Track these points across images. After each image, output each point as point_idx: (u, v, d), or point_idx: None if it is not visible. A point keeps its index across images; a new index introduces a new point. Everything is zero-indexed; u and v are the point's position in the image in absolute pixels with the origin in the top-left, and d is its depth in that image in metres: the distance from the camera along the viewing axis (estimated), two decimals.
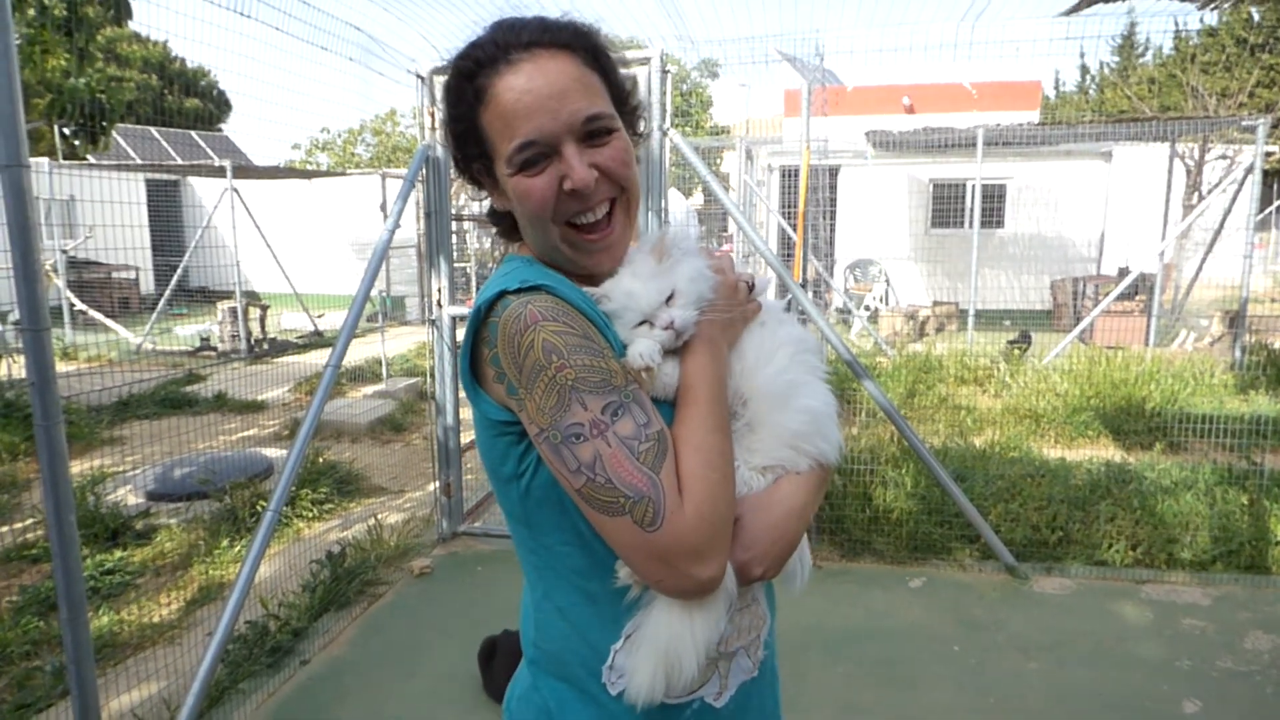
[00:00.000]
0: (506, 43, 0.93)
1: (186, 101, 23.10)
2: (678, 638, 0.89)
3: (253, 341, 9.50)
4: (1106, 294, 8.57)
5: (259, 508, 4.16)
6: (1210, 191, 10.10)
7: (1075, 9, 4.91)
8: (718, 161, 13.14)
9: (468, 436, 4.29)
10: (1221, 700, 2.75)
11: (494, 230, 1.08)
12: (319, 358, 8.64)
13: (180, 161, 13.90)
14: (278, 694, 2.82)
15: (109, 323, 10.09)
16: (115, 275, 11.97)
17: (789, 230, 9.50)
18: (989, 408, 6.08)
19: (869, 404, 4.52)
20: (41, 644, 3.12)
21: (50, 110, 5.05)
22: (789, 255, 9.12)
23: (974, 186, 9.16)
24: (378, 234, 3.56)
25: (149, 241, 10.89)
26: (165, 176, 12.53)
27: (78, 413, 6.09)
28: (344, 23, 3.65)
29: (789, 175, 11.52)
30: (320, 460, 5.01)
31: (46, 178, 9.84)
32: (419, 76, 3.78)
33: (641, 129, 1.04)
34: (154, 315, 10.06)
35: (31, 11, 4.42)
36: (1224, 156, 10.64)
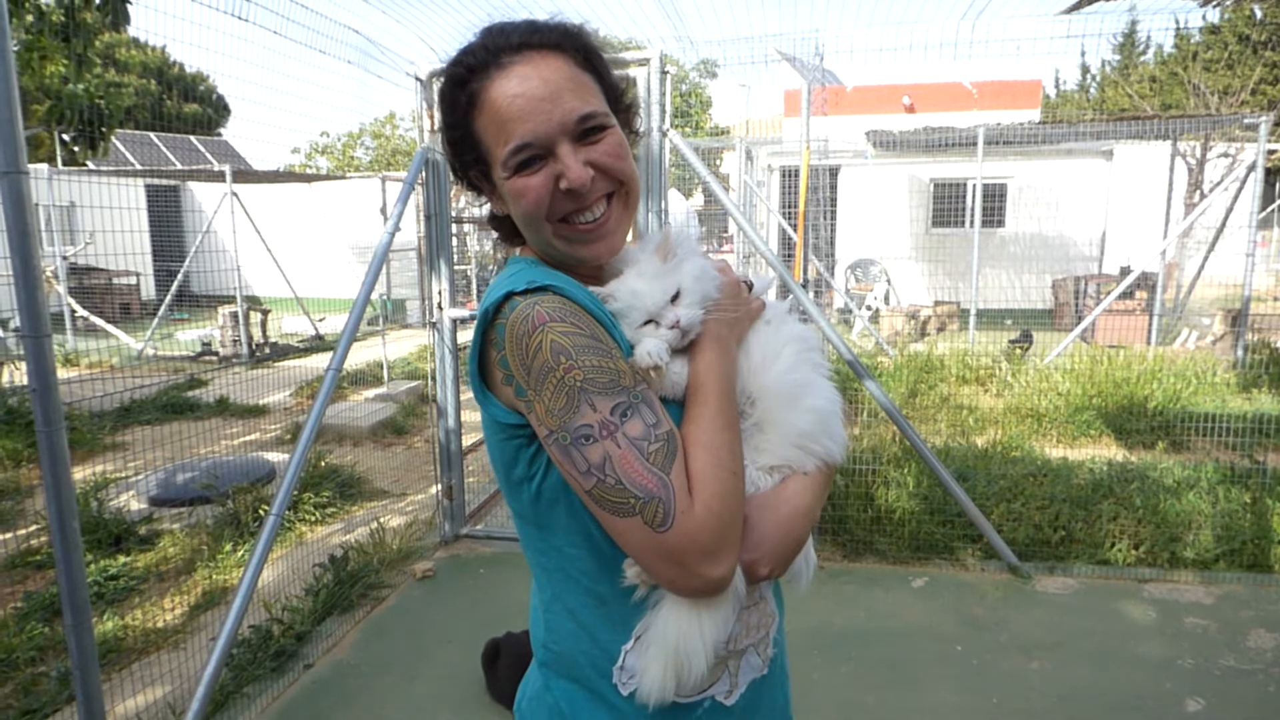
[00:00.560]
0: (496, 46, 0.93)
1: (186, 106, 23.15)
2: (687, 637, 0.89)
3: (254, 346, 9.51)
4: (1108, 293, 8.56)
5: (262, 512, 4.17)
6: (1212, 190, 10.09)
7: (1075, 7, 4.90)
8: (718, 162, 13.15)
9: (469, 439, 4.30)
10: (1224, 699, 2.75)
11: (495, 234, 1.09)
12: (320, 361, 8.65)
13: (180, 166, 13.93)
14: (282, 698, 2.83)
15: (110, 328, 10.10)
16: (116, 281, 11.99)
17: (789, 230, 9.50)
18: (991, 407, 6.08)
19: (871, 404, 4.51)
20: (47, 650, 3.12)
21: (49, 116, 5.05)
22: (789, 256, 9.12)
23: (975, 186, 9.15)
24: (378, 237, 3.56)
25: (150, 247, 10.92)
26: (165, 182, 12.55)
27: (80, 419, 6.10)
28: (342, 25, 3.65)
29: (789, 175, 11.52)
30: (322, 464, 5.01)
31: (46, 184, 9.86)
32: (417, 79, 3.79)
33: (638, 127, 1.04)
34: (155, 320, 10.07)
35: (29, 18, 4.43)
36: (1226, 154, 10.62)
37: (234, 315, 9.35)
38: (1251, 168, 7.73)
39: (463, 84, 0.94)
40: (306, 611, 3.28)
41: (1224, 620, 3.25)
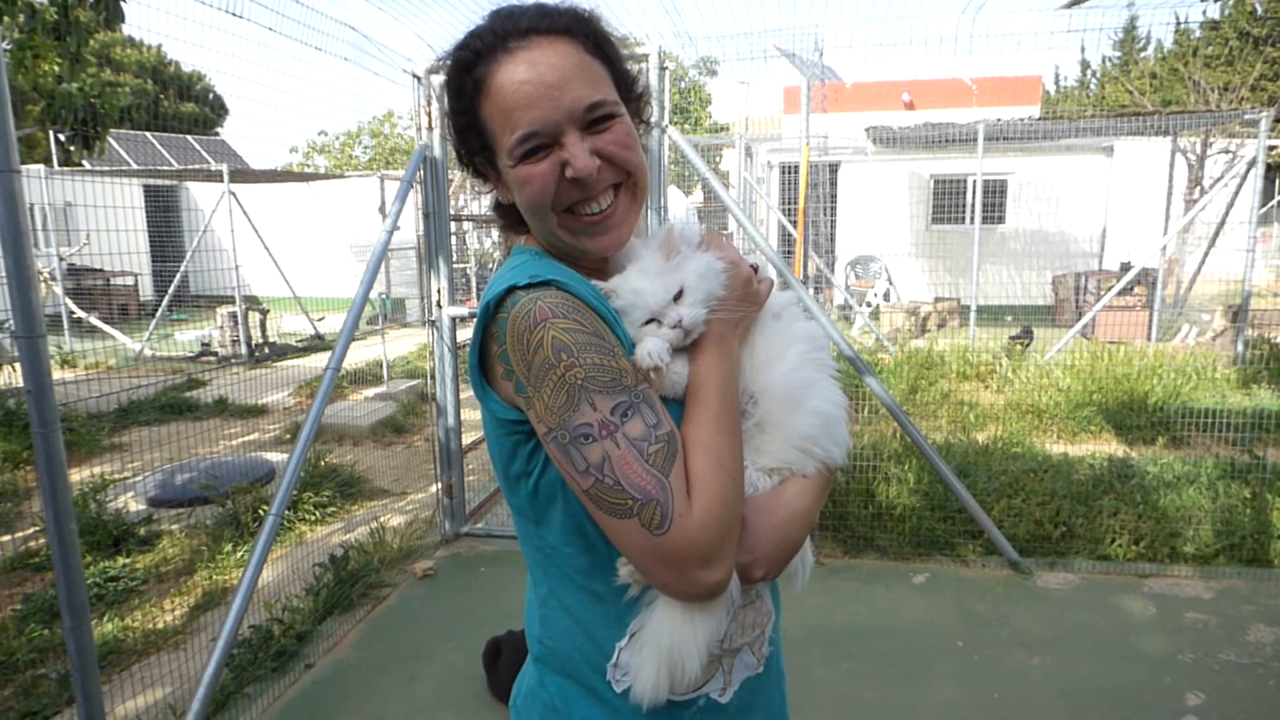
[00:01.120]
0: (504, 31, 0.91)
1: (182, 106, 23.11)
2: (680, 638, 0.89)
3: (253, 346, 9.50)
4: (1108, 289, 8.56)
5: (261, 512, 4.16)
6: (1212, 186, 10.07)
7: (1075, 2, 4.89)
8: (717, 159, 13.13)
9: (469, 438, 4.29)
10: (1224, 693, 2.75)
11: (499, 226, 1.07)
12: (319, 361, 8.64)
13: (177, 166, 13.91)
14: (283, 698, 2.82)
15: (107, 329, 10.09)
16: (114, 282, 11.98)
17: (789, 227, 9.49)
18: (991, 403, 6.08)
19: (872, 400, 4.51)
20: (47, 652, 3.11)
21: (44, 116, 5.04)
22: (789, 252, 9.11)
23: (975, 182, 9.14)
24: (376, 236, 3.56)
25: (147, 247, 10.90)
26: (162, 181, 12.53)
27: (79, 419, 6.09)
28: (338, 22, 3.64)
29: (789, 172, 11.50)
30: (322, 464, 5.01)
31: (43, 185, 9.84)
32: (415, 76, 3.78)
33: (648, 117, 1.02)
34: (154, 321, 10.06)
35: (22, 16, 4.41)
36: (1226, 151, 10.61)
37: (233, 315, 9.34)
38: (1252, 163, 7.72)
39: (469, 69, 0.92)
40: (307, 611, 3.27)
41: (1224, 615, 3.25)
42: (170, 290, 10.21)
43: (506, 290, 0.89)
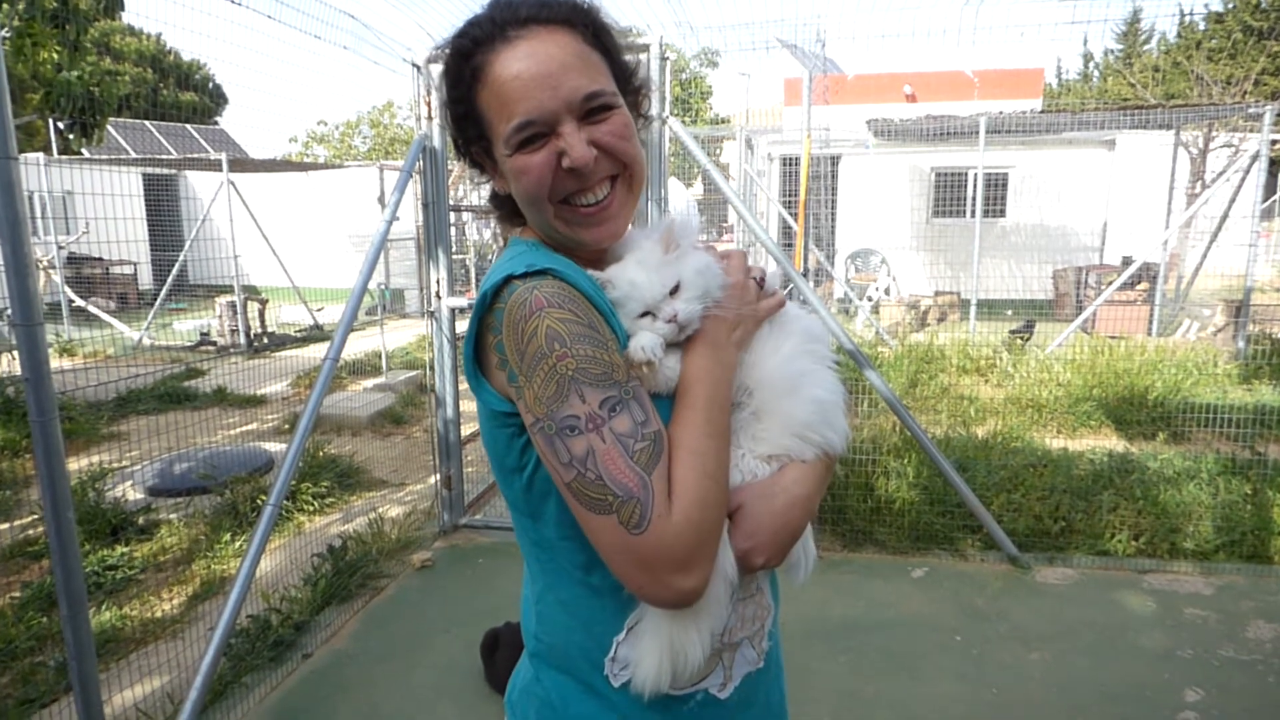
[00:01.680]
0: (503, 20, 0.90)
1: (182, 95, 23.02)
2: (682, 627, 0.88)
3: (252, 336, 9.48)
4: (1109, 284, 8.54)
5: (260, 502, 4.16)
6: (1214, 180, 10.05)
7: None
8: (718, 151, 13.09)
9: (468, 429, 4.28)
10: (1223, 689, 2.75)
11: (495, 217, 1.06)
12: (318, 351, 8.62)
13: (176, 155, 13.86)
14: (280, 687, 2.82)
15: (106, 317, 10.07)
16: (114, 270, 11.95)
17: (789, 220, 9.46)
18: (991, 398, 6.07)
19: (872, 394, 4.50)
20: (45, 639, 3.11)
21: (43, 104, 5.01)
22: (789, 245, 9.09)
23: (976, 175, 9.11)
24: (375, 226, 3.53)
25: (146, 235, 10.87)
26: (161, 170, 12.49)
27: (78, 408, 6.08)
28: (337, 10, 3.61)
29: (790, 164, 11.46)
30: (321, 454, 5.00)
31: (42, 173, 9.80)
32: (415, 65, 3.75)
33: (647, 111, 1.01)
34: (153, 310, 10.04)
35: (21, 4, 4.38)
36: (1229, 145, 10.57)
37: (231, 305, 9.33)
38: (1255, 158, 7.69)
39: (467, 57, 0.91)
40: (305, 601, 3.27)
41: (1223, 611, 3.25)
42: (169, 279, 10.19)
43: (504, 280, 0.88)
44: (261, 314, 9.77)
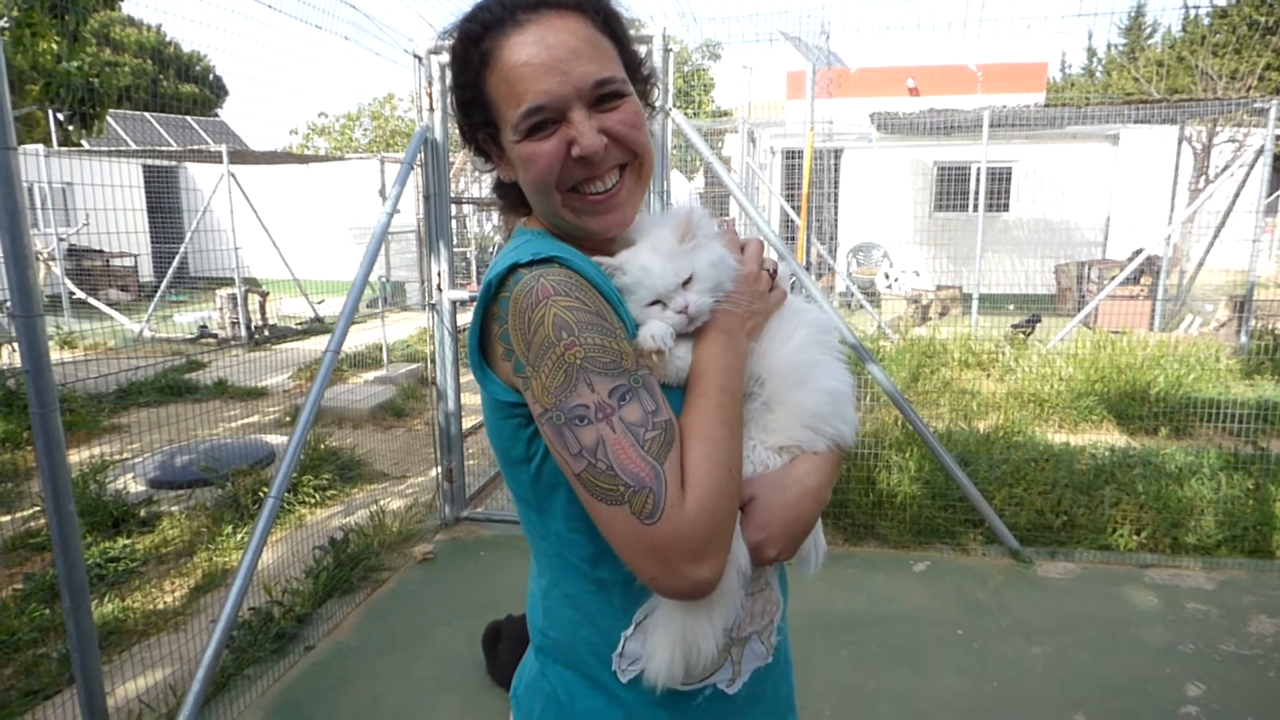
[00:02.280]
0: (513, 3, 0.88)
1: (182, 87, 22.97)
2: (694, 619, 0.87)
3: (252, 328, 9.48)
4: (1111, 278, 8.52)
5: (261, 494, 4.16)
6: (1218, 175, 10.01)
7: None
8: (720, 144, 13.04)
9: (469, 422, 4.28)
10: (1225, 684, 2.74)
11: (500, 207, 1.05)
12: (319, 344, 8.62)
13: (176, 146, 13.82)
14: (283, 679, 2.82)
15: (106, 309, 10.06)
16: (114, 262, 11.93)
17: (791, 213, 9.43)
18: (993, 392, 6.06)
19: (874, 388, 4.49)
20: (48, 631, 3.12)
21: (43, 95, 4.99)
22: (792, 239, 9.06)
23: (979, 169, 9.08)
24: (376, 218, 3.52)
25: (147, 227, 10.84)
26: (162, 162, 12.46)
27: (79, 400, 6.08)
28: (339, 0, 3.59)
29: (792, 158, 11.43)
30: (322, 447, 5.00)
31: (42, 164, 9.77)
32: (416, 56, 3.73)
33: (654, 100, 1.00)
34: (154, 302, 10.03)
35: None
36: (1233, 140, 10.53)
37: (232, 297, 9.31)
38: (1259, 153, 7.66)
39: (476, 40, 0.90)
40: (307, 594, 3.27)
41: (1225, 606, 3.25)
42: (170, 272, 10.17)
43: (509, 268, 0.87)
44: (262, 306, 9.76)
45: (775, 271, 0.99)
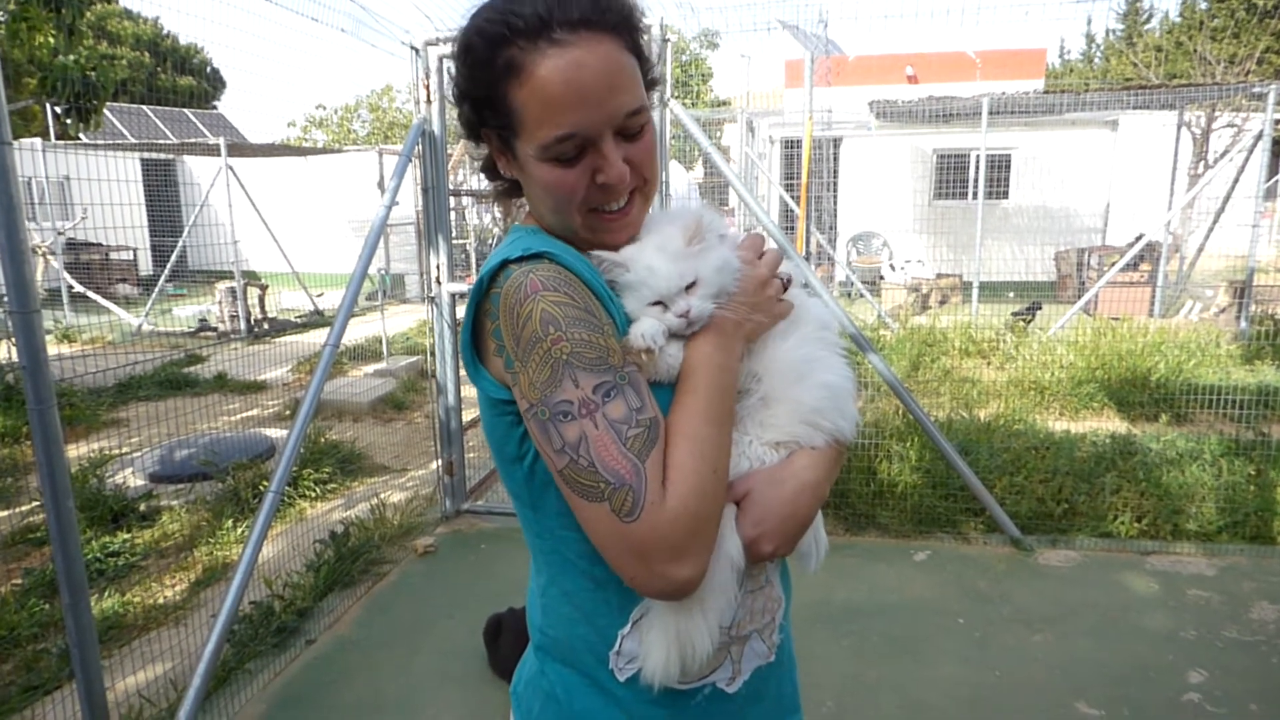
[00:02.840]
0: (552, 16, 0.84)
1: (180, 80, 22.87)
2: (689, 617, 0.86)
3: (252, 321, 9.46)
4: (1111, 265, 8.50)
5: (261, 488, 4.15)
6: (1218, 160, 9.97)
7: None
8: (718, 134, 13.00)
9: (469, 414, 4.27)
10: (1226, 670, 2.75)
11: (493, 191, 1.03)
12: (319, 337, 8.61)
13: (174, 140, 13.77)
14: (284, 673, 2.83)
15: (104, 302, 10.04)
16: (113, 256, 11.90)
17: (791, 203, 9.40)
18: (993, 380, 6.05)
19: (874, 377, 4.49)
20: (48, 626, 3.12)
21: (40, 89, 4.96)
22: (791, 228, 9.03)
23: (978, 157, 9.04)
24: (375, 211, 3.51)
25: (146, 220, 10.82)
26: (160, 155, 12.41)
27: (78, 395, 6.07)
28: None
29: (791, 147, 11.38)
30: (322, 440, 4.99)
31: (40, 158, 9.73)
32: (413, 48, 3.70)
33: (657, 98, 1.01)
34: (153, 296, 10.01)
35: None
36: (1232, 125, 10.48)
37: (231, 290, 9.29)
38: (1258, 137, 7.63)
39: (501, 44, 0.86)
40: (308, 588, 3.28)
41: (1226, 592, 3.25)
42: (169, 265, 10.15)
43: (500, 264, 0.87)
44: (261, 300, 9.74)
45: (789, 282, 0.98)
